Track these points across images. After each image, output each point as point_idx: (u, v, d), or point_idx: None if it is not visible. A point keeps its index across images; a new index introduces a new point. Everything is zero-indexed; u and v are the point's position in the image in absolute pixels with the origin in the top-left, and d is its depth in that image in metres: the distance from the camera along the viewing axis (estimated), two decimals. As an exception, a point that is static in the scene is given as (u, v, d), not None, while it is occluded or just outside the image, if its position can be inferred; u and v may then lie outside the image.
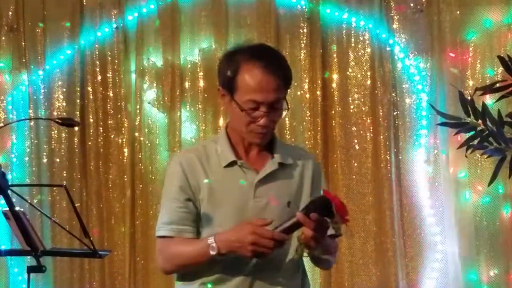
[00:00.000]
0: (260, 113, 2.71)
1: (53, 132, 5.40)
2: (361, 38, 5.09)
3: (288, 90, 2.77)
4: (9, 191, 3.02)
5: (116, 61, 5.36)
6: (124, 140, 5.32)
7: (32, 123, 5.38)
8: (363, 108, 5.07)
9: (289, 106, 2.80)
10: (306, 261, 2.84)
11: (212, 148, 2.84)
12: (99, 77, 5.38)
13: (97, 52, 5.38)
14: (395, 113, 5.04)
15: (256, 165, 2.82)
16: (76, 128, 5.29)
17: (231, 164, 2.79)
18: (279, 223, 2.64)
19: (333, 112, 5.10)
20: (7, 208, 3.21)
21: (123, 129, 5.33)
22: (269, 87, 2.69)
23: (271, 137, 2.87)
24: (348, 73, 5.10)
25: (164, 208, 2.82)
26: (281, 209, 2.78)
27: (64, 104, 5.41)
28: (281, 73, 2.71)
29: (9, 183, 2.95)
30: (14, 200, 3.17)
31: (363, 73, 5.09)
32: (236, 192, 2.76)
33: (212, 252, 2.67)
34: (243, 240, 2.62)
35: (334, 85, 5.12)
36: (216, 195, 2.78)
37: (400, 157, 5.02)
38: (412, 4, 5.04)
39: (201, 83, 5.21)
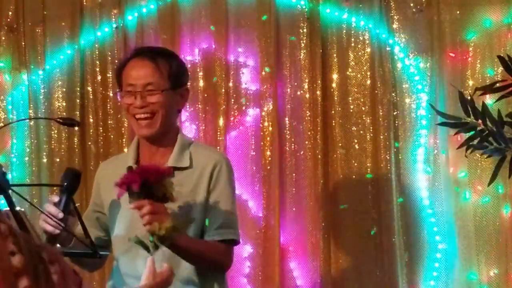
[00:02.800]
0: (135, 94, 3.07)
1: (53, 132, 5.39)
2: (361, 38, 5.09)
3: (175, 85, 3.06)
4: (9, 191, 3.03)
5: (116, 61, 5.34)
6: (124, 140, 5.32)
7: (32, 123, 5.37)
8: (363, 108, 5.07)
9: (164, 93, 3.07)
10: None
11: (126, 154, 3.15)
12: (99, 77, 5.37)
13: (97, 52, 5.37)
14: (395, 113, 5.04)
15: None
16: (76, 128, 5.28)
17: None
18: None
19: (333, 112, 5.10)
20: (7, 208, 3.21)
21: (123, 129, 5.32)
22: (140, 72, 3.12)
23: (173, 139, 3.07)
24: (348, 73, 5.10)
25: None
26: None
27: (64, 104, 5.40)
28: (154, 60, 3.08)
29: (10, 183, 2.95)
30: (14, 200, 3.18)
31: (363, 73, 5.08)
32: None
33: None
34: None
35: (334, 85, 5.12)
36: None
37: (400, 157, 5.01)
38: (412, 4, 5.04)
39: (201, 83, 5.20)
